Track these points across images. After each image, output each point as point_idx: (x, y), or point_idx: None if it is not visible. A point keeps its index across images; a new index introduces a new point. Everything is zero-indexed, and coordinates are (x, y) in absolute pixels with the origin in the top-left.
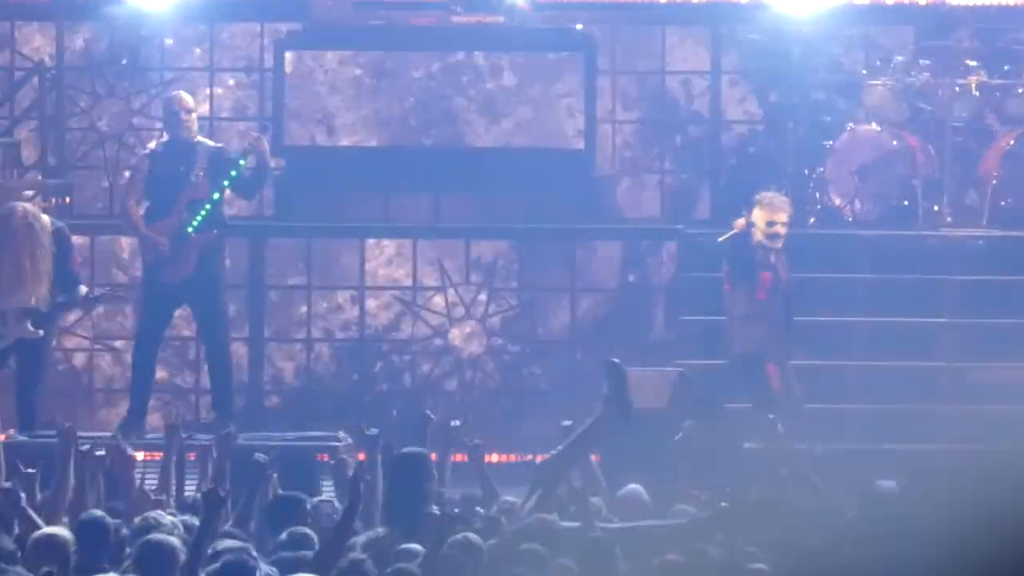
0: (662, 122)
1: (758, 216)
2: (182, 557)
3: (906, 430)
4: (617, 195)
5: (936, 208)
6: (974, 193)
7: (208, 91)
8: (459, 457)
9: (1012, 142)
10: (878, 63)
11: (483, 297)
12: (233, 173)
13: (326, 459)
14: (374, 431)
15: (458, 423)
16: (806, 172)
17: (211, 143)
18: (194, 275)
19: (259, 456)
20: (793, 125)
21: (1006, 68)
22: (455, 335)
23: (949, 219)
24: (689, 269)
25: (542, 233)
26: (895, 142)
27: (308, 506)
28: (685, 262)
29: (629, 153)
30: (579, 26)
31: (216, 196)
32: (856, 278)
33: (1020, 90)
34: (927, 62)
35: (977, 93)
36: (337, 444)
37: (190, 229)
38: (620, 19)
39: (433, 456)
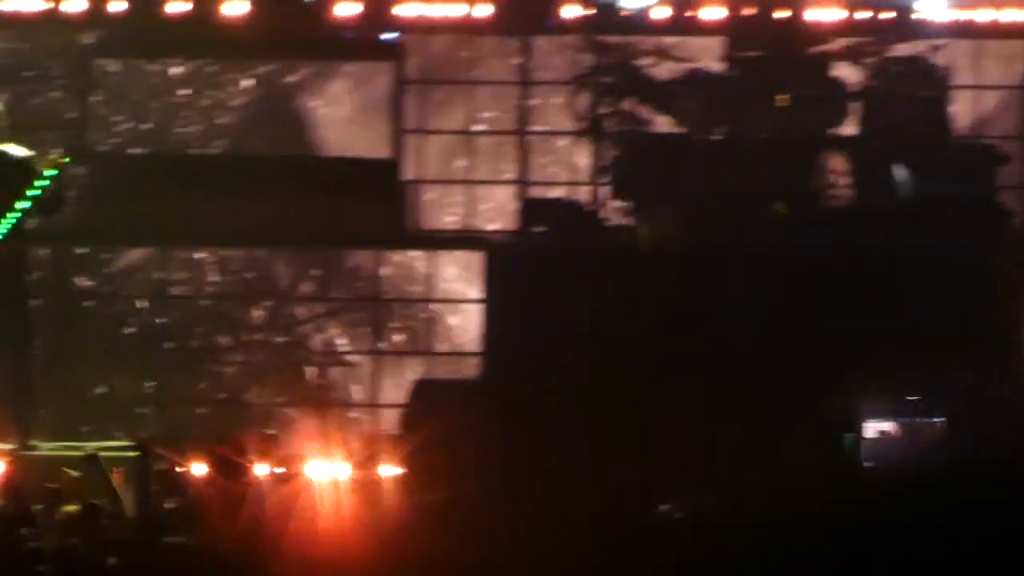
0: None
1: None
2: None
3: None
4: (423, 205)
5: None
6: None
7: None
8: None
9: None
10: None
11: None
12: (29, 195)
13: None
14: None
15: None
16: None
17: (15, 152)
18: None
19: None
20: None
21: None
22: None
23: None
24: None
25: (346, 241)
26: None
27: None
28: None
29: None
30: (387, 35)
31: (17, 208)
32: None
33: None
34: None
35: None
36: None
37: None
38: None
39: None
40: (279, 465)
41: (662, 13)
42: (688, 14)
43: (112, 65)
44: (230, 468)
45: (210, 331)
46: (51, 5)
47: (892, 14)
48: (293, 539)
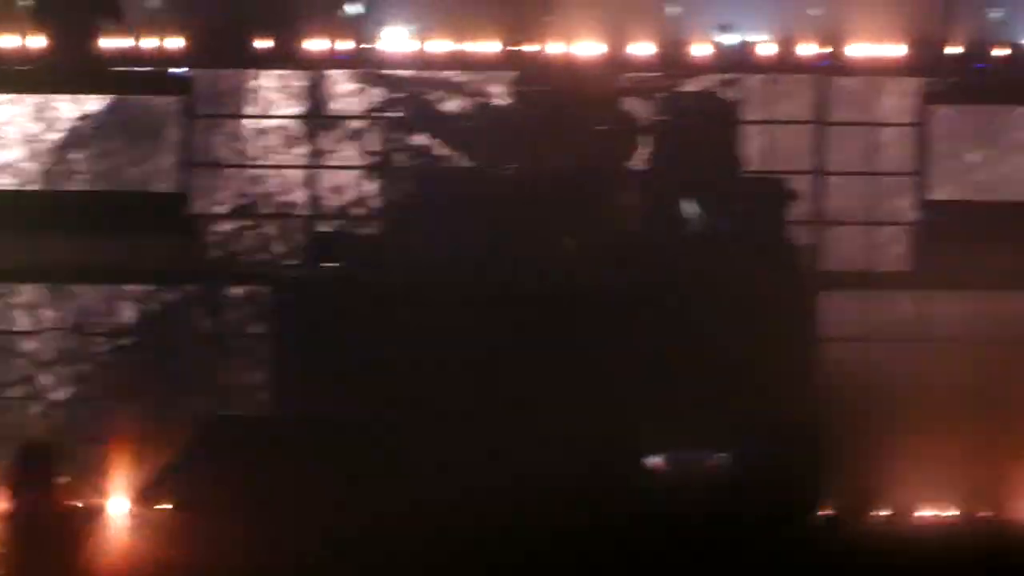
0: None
1: None
2: None
3: None
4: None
5: None
6: None
7: None
8: None
9: None
10: None
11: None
12: None
13: None
14: None
15: None
16: None
17: None
18: None
19: None
20: None
21: None
22: None
23: None
24: None
25: (132, 277)
26: None
27: None
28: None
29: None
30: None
31: None
32: None
33: None
34: None
35: None
36: None
37: None
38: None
39: None
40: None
41: (444, 48)
42: (472, 49)
43: None
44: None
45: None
46: None
47: (677, 49)
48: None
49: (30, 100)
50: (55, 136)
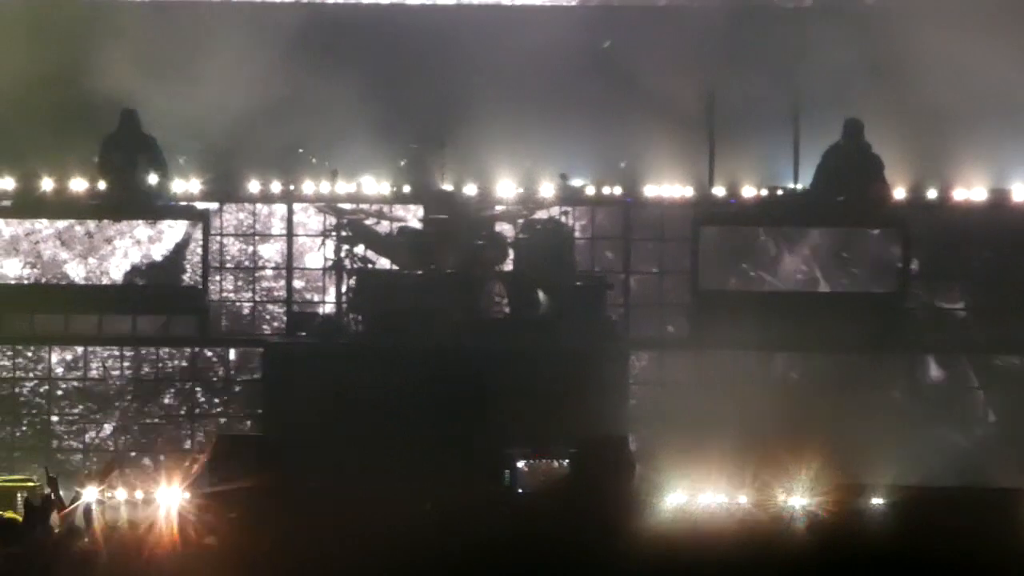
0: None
1: None
2: None
3: None
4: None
5: None
6: None
7: None
8: None
9: None
10: None
11: None
12: None
13: None
14: None
15: None
16: None
17: None
18: None
19: None
20: None
21: None
22: None
23: None
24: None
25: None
26: None
27: None
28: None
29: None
30: (196, 204)
31: None
32: None
33: None
34: None
35: None
36: None
37: None
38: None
39: None
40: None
41: (380, 189)
42: (396, 190)
43: None
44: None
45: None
46: None
47: (533, 192)
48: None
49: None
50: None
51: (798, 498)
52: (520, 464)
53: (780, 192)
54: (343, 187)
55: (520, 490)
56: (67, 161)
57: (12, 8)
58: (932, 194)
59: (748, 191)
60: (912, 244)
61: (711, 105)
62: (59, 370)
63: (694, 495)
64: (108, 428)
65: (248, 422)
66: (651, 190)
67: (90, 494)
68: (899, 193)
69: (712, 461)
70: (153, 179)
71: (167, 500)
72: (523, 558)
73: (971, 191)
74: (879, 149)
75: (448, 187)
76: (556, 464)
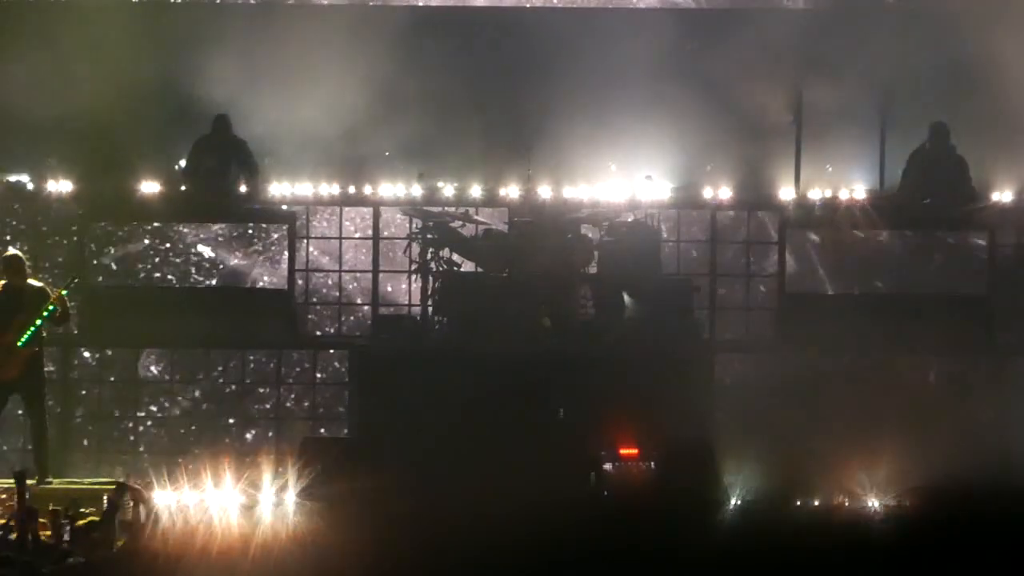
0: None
1: None
2: None
3: None
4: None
5: None
6: None
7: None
8: None
9: None
10: None
11: None
12: (46, 313)
13: None
14: None
15: None
16: None
17: (36, 284)
18: (24, 374)
19: None
20: None
21: None
22: None
23: None
24: None
25: (259, 344)
26: None
27: None
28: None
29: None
30: (284, 207)
31: (38, 322)
32: None
33: None
34: None
35: None
36: None
37: (19, 344)
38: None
39: None
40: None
41: (470, 193)
42: (475, 195)
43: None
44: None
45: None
46: None
47: (620, 195)
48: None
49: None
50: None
51: (882, 499)
52: (607, 467)
53: (867, 194)
54: (430, 191)
55: (606, 492)
56: (165, 166)
57: (115, 10)
58: (1014, 196)
59: (835, 194)
60: (997, 246)
61: (798, 107)
62: (148, 371)
63: (780, 498)
64: (193, 428)
65: (331, 426)
66: (737, 193)
67: (163, 496)
68: (986, 196)
69: (798, 465)
70: (242, 182)
71: (257, 501)
72: (608, 561)
73: None
74: (964, 152)
75: (534, 190)
76: (642, 467)
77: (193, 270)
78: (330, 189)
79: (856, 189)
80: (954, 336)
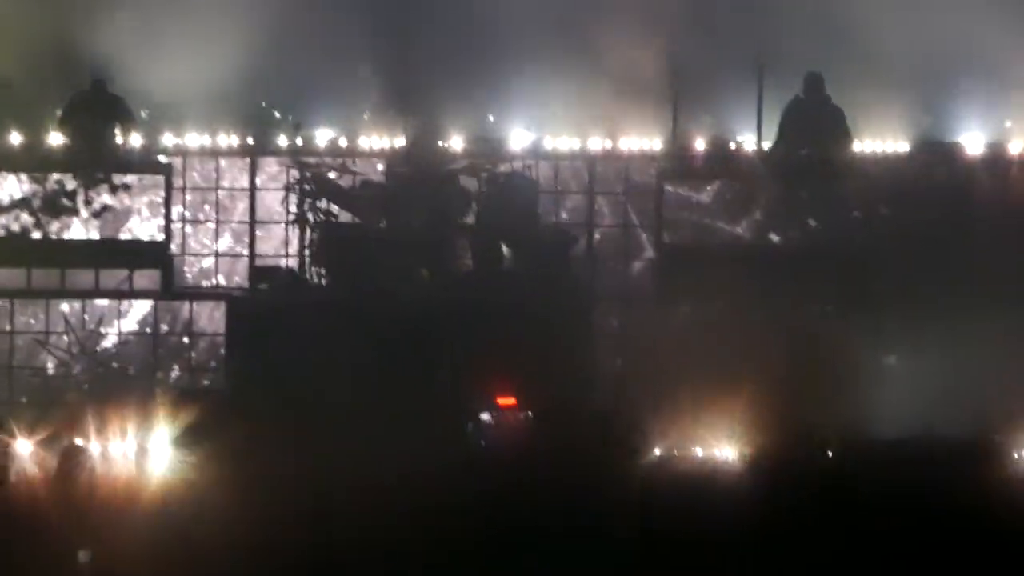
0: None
1: None
2: None
3: None
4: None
5: None
6: None
7: None
8: None
9: None
10: None
11: None
12: None
13: None
14: None
15: None
16: None
17: None
18: None
19: None
20: None
21: None
22: None
23: None
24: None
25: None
26: None
27: None
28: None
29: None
30: (161, 158)
31: None
32: None
33: None
34: None
35: None
36: None
37: None
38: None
39: None
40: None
41: (343, 143)
42: (352, 145)
43: None
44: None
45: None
46: None
47: (497, 145)
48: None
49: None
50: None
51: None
52: (484, 417)
53: (743, 146)
54: (306, 140)
55: (483, 443)
56: (42, 118)
57: None
58: (894, 147)
59: (711, 145)
60: (873, 197)
61: (675, 61)
62: (21, 323)
63: (662, 448)
64: (69, 380)
65: (208, 378)
66: (615, 145)
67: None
68: (861, 146)
69: (681, 414)
70: (118, 134)
71: (121, 450)
72: (484, 511)
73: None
74: (841, 102)
75: (411, 141)
76: (520, 417)
77: (70, 222)
78: (207, 140)
79: (735, 140)
80: (830, 288)
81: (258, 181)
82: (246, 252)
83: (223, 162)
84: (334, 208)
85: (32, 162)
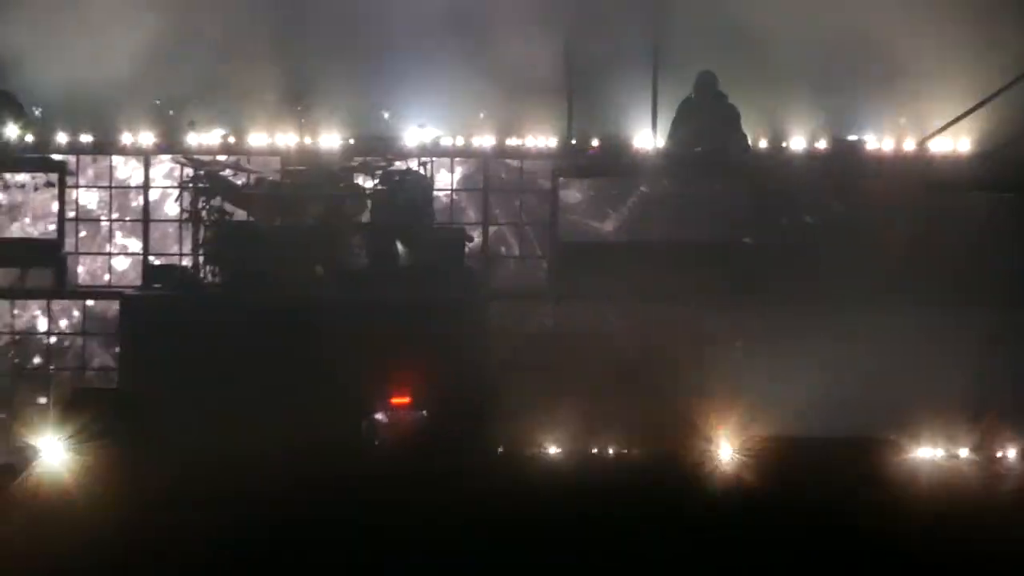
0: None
1: None
2: None
3: None
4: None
5: None
6: None
7: None
8: None
9: None
10: None
11: None
12: None
13: None
14: None
15: None
16: None
17: None
18: None
19: None
20: None
21: None
22: None
23: None
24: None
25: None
26: None
27: None
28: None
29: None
30: (55, 156)
31: None
32: None
33: None
34: None
35: None
36: None
37: None
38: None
39: None
40: None
41: (236, 141)
42: (246, 144)
43: None
44: None
45: None
46: None
47: (392, 143)
48: None
49: None
50: None
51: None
52: (378, 415)
53: (637, 144)
54: (200, 139)
55: (377, 441)
56: None
57: None
58: (792, 144)
59: (606, 142)
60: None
61: (569, 57)
62: None
63: (552, 444)
64: None
65: (102, 376)
66: (511, 142)
67: None
68: (756, 144)
69: (571, 411)
70: (10, 131)
71: (24, 453)
72: (376, 510)
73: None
74: (736, 101)
75: (306, 138)
76: (414, 415)
77: None
78: (101, 137)
79: (629, 138)
80: (720, 286)
81: (152, 179)
82: (140, 251)
83: (117, 160)
84: (228, 206)
85: None
